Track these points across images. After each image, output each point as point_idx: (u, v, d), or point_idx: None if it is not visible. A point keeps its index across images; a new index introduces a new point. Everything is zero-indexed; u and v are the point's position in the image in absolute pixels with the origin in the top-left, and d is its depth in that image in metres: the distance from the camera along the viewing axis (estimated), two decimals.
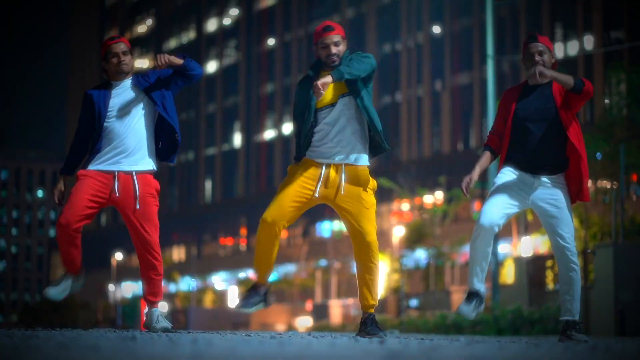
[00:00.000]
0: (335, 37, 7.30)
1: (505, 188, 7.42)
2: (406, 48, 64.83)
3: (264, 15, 78.72)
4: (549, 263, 24.60)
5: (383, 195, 61.84)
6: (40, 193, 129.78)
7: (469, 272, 7.50)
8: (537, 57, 7.47)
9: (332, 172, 7.25)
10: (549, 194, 7.41)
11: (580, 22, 52.71)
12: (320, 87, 6.96)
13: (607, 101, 29.56)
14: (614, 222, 21.51)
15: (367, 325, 7.33)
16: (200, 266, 77.81)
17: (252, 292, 7.73)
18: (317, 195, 7.25)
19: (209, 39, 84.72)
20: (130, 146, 7.67)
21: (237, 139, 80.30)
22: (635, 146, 24.72)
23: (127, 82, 7.81)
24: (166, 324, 7.79)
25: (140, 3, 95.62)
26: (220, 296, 74.11)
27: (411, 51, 64.41)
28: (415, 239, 46.99)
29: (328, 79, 6.98)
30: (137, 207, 7.64)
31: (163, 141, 7.81)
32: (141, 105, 7.75)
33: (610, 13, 51.18)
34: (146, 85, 7.76)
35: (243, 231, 78.54)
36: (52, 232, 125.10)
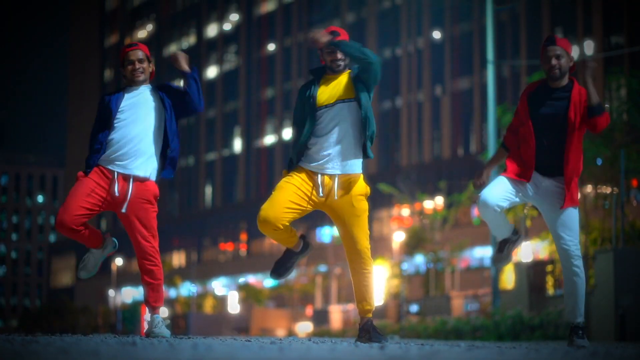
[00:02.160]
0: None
1: (509, 176, 7.49)
2: (406, 53, 64.85)
3: (264, 20, 78.77)
4: (549, 268, 24.59)
5: (383, 201, 61.83)
6: (40, 198, 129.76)
7: (494, 235, 7.72)
8: (554, 61, 7.43)
9: (327, 179, 7.25)
10: (556, 194, 7.47)
11: (580, 27, 52.73)
12: (317, 37, 7.16)
13: (607, 106, 29.53)
14: (614, 227, 21.50)
15: (369, 331, 7.33)
16: (201, 271, 77.77)
17: (286, 255, 7.61)
18: (312, 202, 7.26)
19: (209, 44, 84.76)
20: (135, 150, 7.66)
21: (237, 144, 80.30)
22: (636, 151, 24.71)
23: (144, 88, 7.82)
24: (165, 331, 7.76)
25: (141, 8, 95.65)
26: (221, 301, 74.05)
27: (411, 56, 64.43)
28: (415, 244, 46.95)
29: (328, 37, 7.18)
30: (124, 210, 7.64)
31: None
32: (153, 113, 7.76)
33: (611, 18, 51.21)
34: (162, 94, 7.78)
35: (243, 236, 78.51)
36: (52, 237, 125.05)
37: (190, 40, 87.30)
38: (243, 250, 78.69)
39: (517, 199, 7.49)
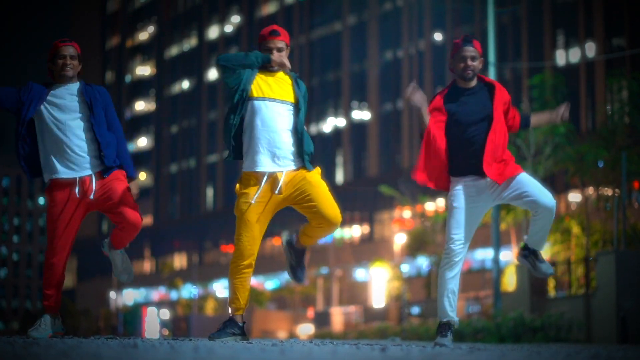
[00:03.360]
0: (280, 42, 7.29)
1: (462, 210, 7.57)
2: (408, 55, 64.87)
3: (265, 22, 78.79)
4: None
5: (384, 203, 61.84)
6: (41, 200, 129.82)
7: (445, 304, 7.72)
8: (469, 62, 7.52)
9: (274, 179, 7.21)
10: (505, 183, 7.52)
11: (581, 29, 52.73)
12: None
13: (608, 108, 29.53)
14: (616, 229, 21.50)
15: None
16: (202, 273, 77.78)
17: (228, 323, 7.38)
18: (253, 202, 7.24)
19: (211, 46, 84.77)
20: (77, 151, 7.51)
21: None
22: (637, 153, 24.71)
23: (71, 85, 7.78)
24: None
25: (142, 10, 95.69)
26: (222, 303, 74.04)
27: (413, 58, 64.45)
28: (416, 246, 46.96)
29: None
30: (91, 197, 7.55)
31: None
32: (81, 111, 7.66)
33: (612, 20, 51.20)
34: (93, 94, 7.70)
35: None
36: None
37: (192, 42, 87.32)
38: None
39: (479, 222, 7.65)
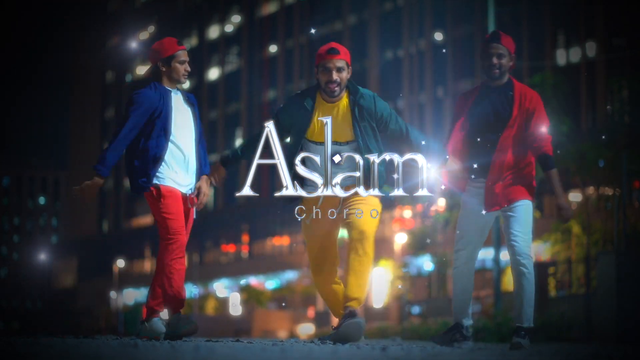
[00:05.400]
0: (339, 62, 6.82)
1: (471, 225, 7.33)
2: (408, 55, 64.85)
3: (265, 21, 78.77)
4: (551, 270, 24.58)
5: (385, 202, 61.73)
6: (42, 200, 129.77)
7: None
8: (495, 60, 7.23)
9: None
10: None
11: (582, 28, 52.70)
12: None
13: (609, 107, 29.52)
14: (616, 229, 21.48)
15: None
16: (202, 273, 77.75)
17: None
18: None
19: (211, 45, 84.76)
20: (191, 167, 7.50)
21: None
22: (638, 153, 24.70)
23: (179, 93, 7.41)
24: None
25: (142, 9, 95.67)
26: (222, 303, 74.06)
27: (413, 58, 64.43)
28: (417, 246, 46.94)
29: None
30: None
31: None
32: (194, 122, 7.48)
33: (613, 20, 51.18)
34: (195, 103, 7.46)
35: (245, 238, 78.50)
36: (53, 239, 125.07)
37: (192, 41, 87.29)
38: (245, 251, 78.65)
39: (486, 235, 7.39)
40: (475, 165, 7.27)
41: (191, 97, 7.43)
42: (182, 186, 7.37)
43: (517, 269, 7.07)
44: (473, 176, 7.28)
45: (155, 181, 7.24)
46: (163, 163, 7.25)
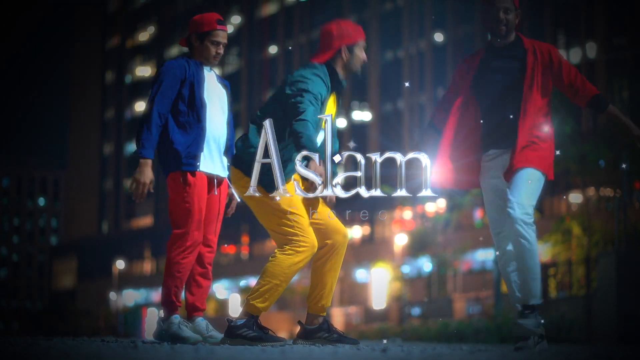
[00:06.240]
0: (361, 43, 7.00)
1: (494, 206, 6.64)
2: (408, 55, 64.89)
3: (265, 22, 78.83)
4: (551, 271, 24.57)
5: (385, 203, 61.73)
6: (41, 200, 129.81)
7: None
8: (502, 15, 6.51)
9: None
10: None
11: (583, 29, 52.73)
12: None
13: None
14: (617, 229, 21.48)
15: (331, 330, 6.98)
16: None
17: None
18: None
19: None
20: (221, 149, 6.91)
21: None
22: (638, 154, 24.70)
23: (212, 72, 6.93)
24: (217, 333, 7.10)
25: (142, 10, 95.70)
26: (222, 304, 74.06)
27: (413, 58, 64.46)
28: (417, 247, 46.97)
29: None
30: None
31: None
32: (227, 103, 6.96)
33: (613, 20, 51.19)
34: (228, 86, 6.97)
35: (245, 239, 78.51)
36: (53, 240, 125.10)
37: None
38: (245, 252, 78.68)
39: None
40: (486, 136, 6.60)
41: (225, 81, 6.98)
42: (213, 168, 6.80)
43: (515, 240, 6.36)
44: (486, 151, 6.62)
45: (191, 162, 6.68)
46: (204, 143, 6.75)
